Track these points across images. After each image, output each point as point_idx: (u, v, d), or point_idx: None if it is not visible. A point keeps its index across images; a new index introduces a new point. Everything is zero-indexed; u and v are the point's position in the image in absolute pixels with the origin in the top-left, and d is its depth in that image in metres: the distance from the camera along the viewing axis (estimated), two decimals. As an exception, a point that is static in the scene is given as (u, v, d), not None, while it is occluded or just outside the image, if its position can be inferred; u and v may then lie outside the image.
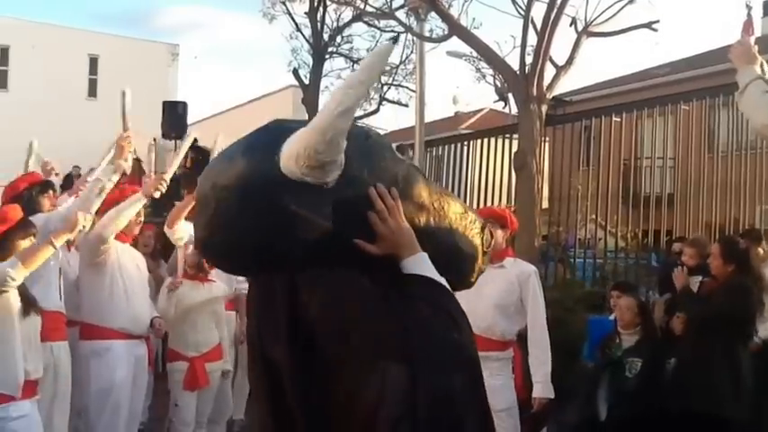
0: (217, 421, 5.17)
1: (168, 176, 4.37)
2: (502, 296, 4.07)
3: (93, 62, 20.22)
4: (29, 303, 3.48)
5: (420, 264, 1.48)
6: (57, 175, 5.24)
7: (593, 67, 27.33)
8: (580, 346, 5.41)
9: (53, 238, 3.46)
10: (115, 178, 4.12)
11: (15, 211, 3.60)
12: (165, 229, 4.87)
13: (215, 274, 4.80)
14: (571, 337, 5.57)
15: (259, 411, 1.59)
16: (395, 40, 1.40)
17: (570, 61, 7.86)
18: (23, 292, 3.43)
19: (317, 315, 1.40)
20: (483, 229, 1.71)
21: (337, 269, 1.41)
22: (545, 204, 8.49)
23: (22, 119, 16.55)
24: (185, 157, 11.00)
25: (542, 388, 4.06)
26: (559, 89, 8.39)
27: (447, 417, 1.32)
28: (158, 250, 5.13)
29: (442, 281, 1.49)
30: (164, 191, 4.30)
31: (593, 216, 8.82)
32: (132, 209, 4.18)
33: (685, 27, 42.49)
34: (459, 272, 1.64)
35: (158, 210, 6.10)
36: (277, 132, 1.44)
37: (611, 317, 5.02)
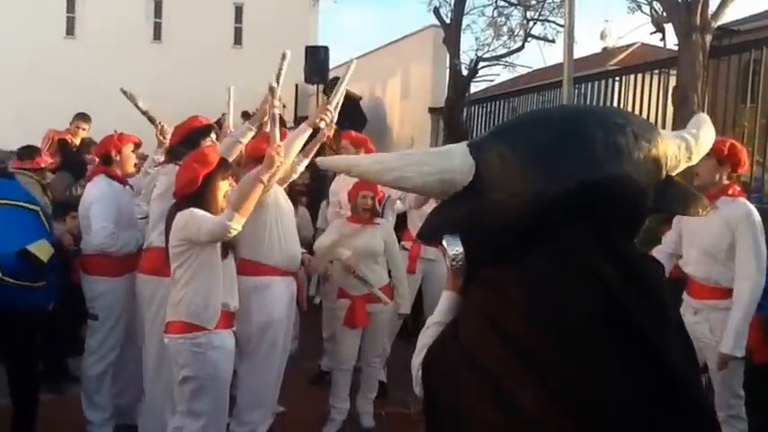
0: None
1: (333, 106, 4.33)
2: (713, 242, 3.81)
3: (239, 11, 20.75)
4: (227, 246, 3.66)
5: None
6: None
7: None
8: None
9: (261, 177, 3.49)
10: (249, 136, 4.24)
11: (215, 153, 3.70)
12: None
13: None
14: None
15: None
16: None
17: (741, -15, 7.15)
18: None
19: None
20: None
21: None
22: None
23: (176, 71, 17.38)
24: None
25: None
26: (726, 17, 7.67)
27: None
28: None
29: None
30: (329, 120, 4.31)
31: (759, 158, 8.08)
32: (299, 141, 4.21)
33: None
34: None
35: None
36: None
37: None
